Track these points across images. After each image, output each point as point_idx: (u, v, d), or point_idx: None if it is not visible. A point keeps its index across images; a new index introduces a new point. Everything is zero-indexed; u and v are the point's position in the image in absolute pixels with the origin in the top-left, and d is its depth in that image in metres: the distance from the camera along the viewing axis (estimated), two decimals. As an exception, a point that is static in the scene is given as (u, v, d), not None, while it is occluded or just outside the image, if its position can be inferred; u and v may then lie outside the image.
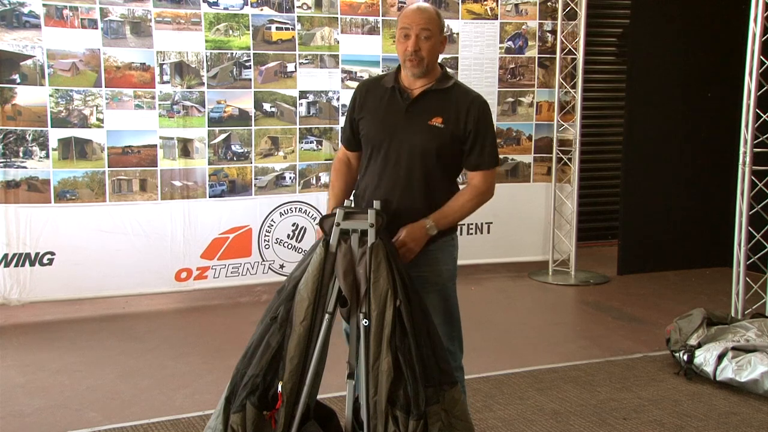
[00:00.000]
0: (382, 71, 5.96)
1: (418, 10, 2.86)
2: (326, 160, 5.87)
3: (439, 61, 2.95)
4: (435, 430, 2.52)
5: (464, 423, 2.61)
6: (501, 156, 6.42)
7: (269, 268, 5.78)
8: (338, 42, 5.82)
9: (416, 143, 2.85)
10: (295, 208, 5.84)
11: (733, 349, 4.29)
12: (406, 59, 2.86)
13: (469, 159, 2.90)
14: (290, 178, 5.80)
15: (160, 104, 5.36)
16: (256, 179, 5.69)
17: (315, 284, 2.63)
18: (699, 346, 4.39)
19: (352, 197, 3.05)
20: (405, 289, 2.58)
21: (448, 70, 3.03)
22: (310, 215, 5.88)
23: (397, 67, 2.98)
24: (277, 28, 5.65)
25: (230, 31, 5.50)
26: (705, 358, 4.30)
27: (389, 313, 2.54)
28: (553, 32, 6.50)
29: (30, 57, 5.01)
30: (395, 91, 2.92)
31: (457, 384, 2.63)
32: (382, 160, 2.90)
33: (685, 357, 4.36)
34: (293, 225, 5.84)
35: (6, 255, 5.07)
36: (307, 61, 5.75)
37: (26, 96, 5.03)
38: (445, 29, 2.99)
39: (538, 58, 6.49)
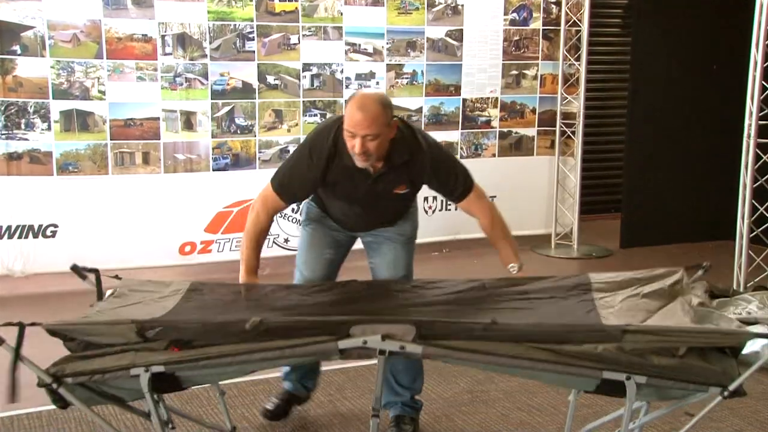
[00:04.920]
0: (387, 43, 5.93)
1: (361, 111, 2.75)
2: (329, 132, 5.85)
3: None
4: None
5: None
6: (505, 129, 6.43)
7: (273, 242, 5.78)
8: (342, 14, 5.77)
9: (387, 208, 3.11)
10: (298, 181, 5.83)
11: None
12: (353, 155, 2.84)
13: (452, 197, 3.11)
14: (293, 151, 5.78)
15: (162, 76, 5.34)
16: (260, 152, 5.68)
17: None
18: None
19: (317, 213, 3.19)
20: None
21: (403, 133, 2.93)
22: (313, 188, 5.87)
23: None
24: (281, 0, 5.61)
25: (233, 2, 5.45)
26: (707, 330, 4.31)
27: None
28: (558, 4, 6.44)
29: (30, 28, 4.98)
30: (356, 168, 2.90)
31: None
32: (343, 206, 3.11)
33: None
34: (297, 198, 5.84)
35: (9, 227, 5.08)
36: (310, 33, 5.71)
37: (27, 67, 5.01)
38: (393, 116, 2.88)
39: (543, 30, 6.44)
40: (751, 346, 4.14)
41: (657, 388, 2.38)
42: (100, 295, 2.81)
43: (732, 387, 2.37)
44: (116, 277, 2.94)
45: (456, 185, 3.05)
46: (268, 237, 5.65)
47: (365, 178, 2.94)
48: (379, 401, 2.52)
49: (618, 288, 2.83)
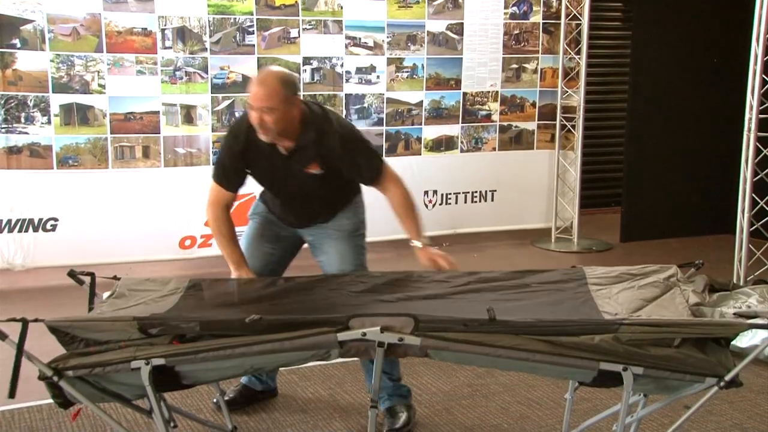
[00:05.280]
0: (387, 37, 5.92)
1: (260, 85, 2.93)
2: (329, 126, 5.85)
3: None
4: None
5: None
6: (505, 123, 6.43)
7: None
8: (342, 7, 5.76)
9: (304, 189, 3.13)
10: (298, 175, 5.83)
11: (735, 315, 4.30)
12: (256, 128, 2.95)
13: (362, 178, 3.14)
14: (293, 144, 5.78)
15: (162, 70, 5.33)
16: (258, 146, 5.67)
17: None
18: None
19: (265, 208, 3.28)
20: None
21: (310, 111, 3.04)
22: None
23: None
24: (280, -7, 5.60)
25: (232, -4, 5.45)
26: (707, 324, 4.32)
27: None
28: (558, -3, 6.43)
29: (30, 21, 4.98)
30: (270, 145, 3.03)
31: None
32: (275, 195, 3.24)
33: (687, 323, 4.36)
34: (296, 192, 5.84)
35: (10, 220, 5.09)
36: (310, 27, 5.70)
37: (27, 61, 5.01)
38: (294, 94, 2.98)
39: (543, 23, 6.43)
40: (750, 339, 4.17)
41: (654, 379, 2.40)
42: (92, 299, 2.80)
43: (728, 377, 2.37)
44: (115, 277, 2.93)
45: (365, 167, 3.09)
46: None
47: (279, 156, 3.05)
48: (377, 393, 2.53)
49: (613, 282, 2.85)
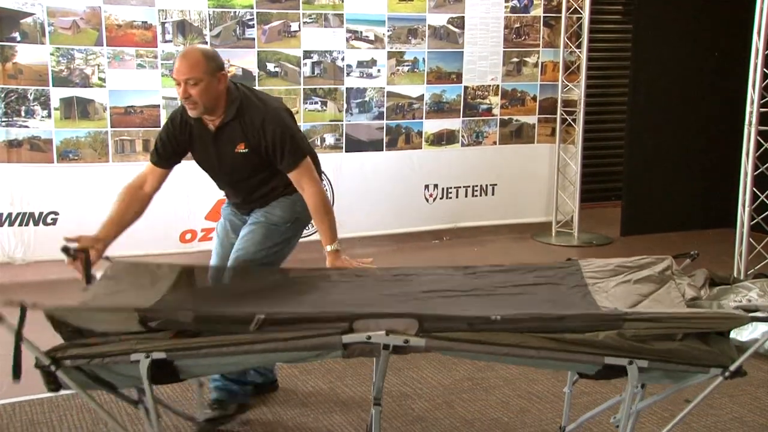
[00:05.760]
0: (388, 30, 5.91)
1: (182, 58, 3.02)
2: (331, 121, 5.84)
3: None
4: None
5: None
6: (506, 117, 6.42)
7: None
8: (343, 0, 5.75)
9: (232, 169, 3.17)
10: (299, 169, 5.82)
11: (736, 309, 4.30)
12: (183, 103, 3.03)
13: (282, 165, 3.11)
14: (293, 138, 5.77)
15: (162, 63, 5.32)
16: (259, 139, 5.66)
17: None
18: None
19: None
20: None
21: (238, 91, 3.10)
22: (313, 176, 5.86)
23: None
24: (280, -14, 5.58)
25: (232, -11, 5.43)
26: (707, 318, 4.32)
27: None
28: (559, -9, 6.42)
29: (30, 14, 4.97)
30: (200, 124, 3.10)
31: None
32: (215, 178, 3.32)
33: (687, 317, 4.37)
34: (297, 186, 5.83)
35: (10, 214, 5.08)
36: (311, 20, 5.69)
37: (27, 54, 5.00)
38: (219, 67, 3.03)
39: (544, 17, 6.41)
40: (751, 333, 4.17)
41: (658, 371, 2.40)
42: (88, 277, 2.81)
43: (733, 367, 2.39)
44: (106, 258, 2.93)
45: (284, 154, 3.08)
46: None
47: (209, 135, 3.12)
48: (380, 391, 2.52)
49: (609, 275, 2.86)
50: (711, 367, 2.39)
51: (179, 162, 3.27)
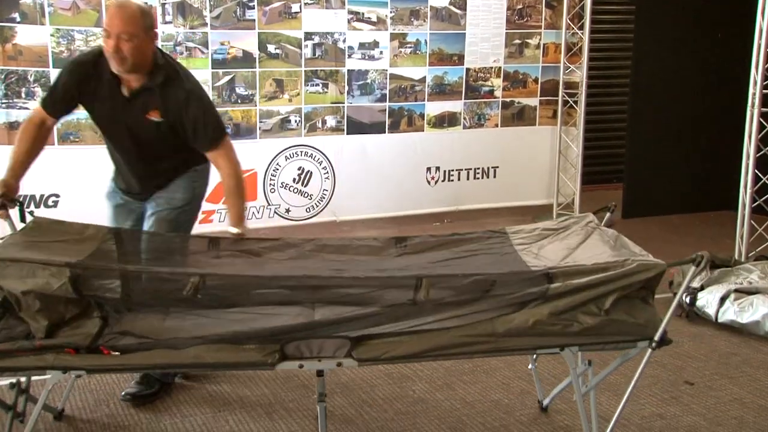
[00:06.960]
0: (390, 11, 5.88)
1: (118, 10, 2.89)
2: (332, 103, 5.82)
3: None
4: None
5: None
6: (507, 99, 6.40)
7: (275, 212, 5.79)
8: (343, -19, 5.72)
9: (138, 134, 3.05)
10: (301, 152, 5.82)
11: (736, 291, 4.31)
12: (110, 58, 2.90)
13: (199, 144, 3.06)
14: (296, 121, 5.76)
15: (162, 45, 5.29)
16: (260, 122, 5.66)
17: None
18: (702, 288, 4.41)
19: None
20: None
21: (164, 59, 3.05)
22: (316, 159, 5.86)
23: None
24: (281, -33, 5.54)
25: (233, -30, 5.40)
26: (707, 300, 4.33)
27: None
28: (562, -28, 6.38)
29: (30, -4, 4.94)
30: (113, 83, 2.98)
31: None
32: (115, 145, 3.19)
33: (688, 299, 4.38)
34: (299, 169, 5.83)
35: (11, 197, 5.08)
36: (312, 2, 5.66)
37: (27, 35, 4.98)
38: (152, 26, 2.99)
39: (546, -2, 6.38)
40: (751, 315, 4.18)
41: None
42: (22, 216, 2.83)
43: (657, 336, 2.52)
44: (30, 213, 2.91)
45: (203, 131, 3.04)
46: (269, 207, 5.74)
47: (120, 98, 3.00)
48: (324, 387, 2.66)
49: (536, 240, 2.98)
50: (638, 341, 2.53)
51: (67, 115, 3.20)
